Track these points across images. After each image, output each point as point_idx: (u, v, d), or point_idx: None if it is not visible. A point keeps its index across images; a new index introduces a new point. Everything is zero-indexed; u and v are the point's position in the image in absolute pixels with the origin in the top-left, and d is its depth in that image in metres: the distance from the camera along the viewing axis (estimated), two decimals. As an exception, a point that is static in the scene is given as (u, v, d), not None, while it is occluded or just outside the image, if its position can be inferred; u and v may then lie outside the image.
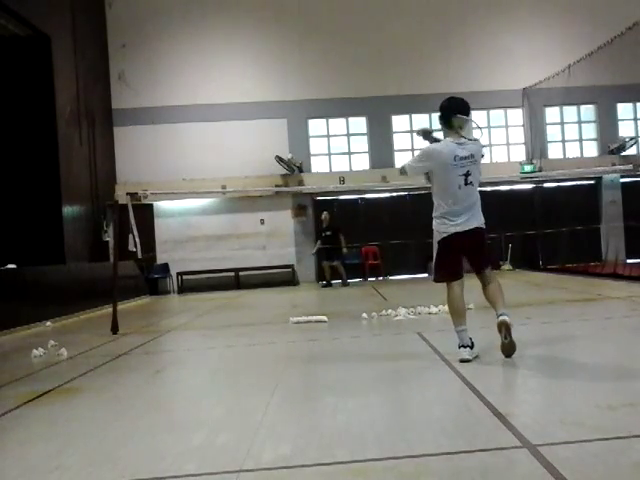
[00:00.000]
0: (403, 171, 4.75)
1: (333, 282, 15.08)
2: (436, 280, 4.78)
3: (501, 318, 4.46)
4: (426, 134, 4.87)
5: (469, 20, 17.26)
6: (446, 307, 7.62)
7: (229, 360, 5.72)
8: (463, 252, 4.63)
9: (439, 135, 4.82)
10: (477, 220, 4.58)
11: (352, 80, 17.05)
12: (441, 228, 4.58)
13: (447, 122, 4.55)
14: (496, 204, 17.19)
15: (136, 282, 14.69)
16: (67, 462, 2.91)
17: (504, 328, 4.43)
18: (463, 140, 4.51)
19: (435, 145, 4.64)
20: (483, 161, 17.21)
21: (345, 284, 14.78)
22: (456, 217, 4.51)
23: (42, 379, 5.10)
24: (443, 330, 6.46)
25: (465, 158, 4.45)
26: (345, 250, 15.19)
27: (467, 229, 4.51)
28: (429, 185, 4.74)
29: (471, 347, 4.53)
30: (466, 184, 4.48)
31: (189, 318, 9.67)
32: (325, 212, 15.39)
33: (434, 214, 4.64)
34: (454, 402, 3.57)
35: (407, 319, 7.34)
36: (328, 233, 15.12)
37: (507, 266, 16.56)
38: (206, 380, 4.94)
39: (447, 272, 4.66)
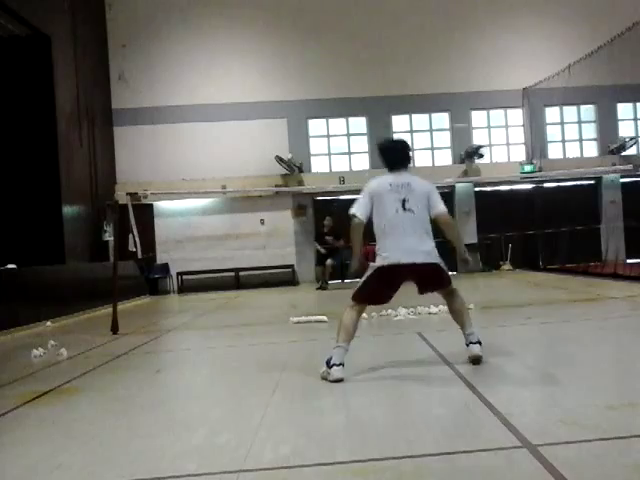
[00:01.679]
0: (354, 217, 4.47)
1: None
2: (352, 297, 4.51)
3: (474, 352, 4.37)
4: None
5: (469, 20, 17.26)
6: (446, 307, 7.69)
7: (229, 360, 5.72)
8: (396, 282, 4.46)
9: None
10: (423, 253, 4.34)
11: (352, 80, 17.05)
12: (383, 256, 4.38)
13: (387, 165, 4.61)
14: (496, 204, 17.24)
15: (136, 282, 14.69)
16: (67, 462, 2.91)
17: (476, 360, 4.39)
18: (401, 172, 4.51)
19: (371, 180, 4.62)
20: (483, 161, 17.27)
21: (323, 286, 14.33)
22: (394, 246, 4.35)
23: (42, 379, 5.10)
24: (443, 330, 6.46)
25: (402, 185, 4.39)
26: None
27: (408, 262, 4.29)
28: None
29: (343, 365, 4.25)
30: (405, 210, 4.34)
31: (189, 318, 9.67)
32: (328, 217, 15.02)
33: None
34: (454, 402, 3.57)
35: (407, 319, 7.35)
36: (329, 238, 14.90)
37: (507, 266, 16.57)
38: (206, 380, 4.94)
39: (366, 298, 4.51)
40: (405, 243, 4.30)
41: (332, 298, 12.21)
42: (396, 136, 17.53)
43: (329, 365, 4.21)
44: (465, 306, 4.65)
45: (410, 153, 4.68)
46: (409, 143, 4.85)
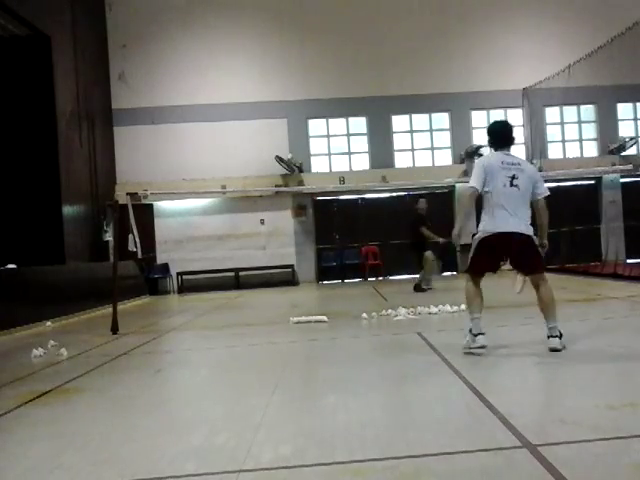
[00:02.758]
0: (471, 187, 4.89)
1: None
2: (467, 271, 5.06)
3: (552, 345, 4.70)
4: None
5: (469, 20, 17.26)
6: (447, 307, 7.71)
7: (229, 360, 5.72)
8: (503, 253, 4.95)
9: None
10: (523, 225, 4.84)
11: (352, 80, 17.05)
12: (486, 227, 4.84)
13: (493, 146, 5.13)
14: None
15: (136, 282, 14.69)
16: (67, 462, 2.91)
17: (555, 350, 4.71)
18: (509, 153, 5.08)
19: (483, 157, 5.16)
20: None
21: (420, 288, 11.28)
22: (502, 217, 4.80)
23: (42, 379, 5.10)
24: (443, 330, 6.46)
25: (512, 164, 4.94)
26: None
27: (512, 231, 4.76)
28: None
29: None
30: (512, 185, 4.82)
31: (189, 318, 9.67)
32: (423, 200, 12.08)
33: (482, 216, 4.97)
34: (454, 402, 3.56)
35: (407, 319, 7.34)
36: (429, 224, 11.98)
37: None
38: (206, 380, 4.94)
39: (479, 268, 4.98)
40: (509, 216, 4.76)
41: (332, 298, 12.22)
42: (396, 136, 17.59)
43: (474, 334, 4.73)
44: (554, 299, 4.87)
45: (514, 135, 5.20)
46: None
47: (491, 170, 4.87)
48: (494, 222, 4.78)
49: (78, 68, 14.61)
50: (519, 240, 4.77)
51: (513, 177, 4.83)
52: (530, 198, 4.98)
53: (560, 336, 4.69)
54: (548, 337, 4.72)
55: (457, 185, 17.00)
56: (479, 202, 4.97)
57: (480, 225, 4.90)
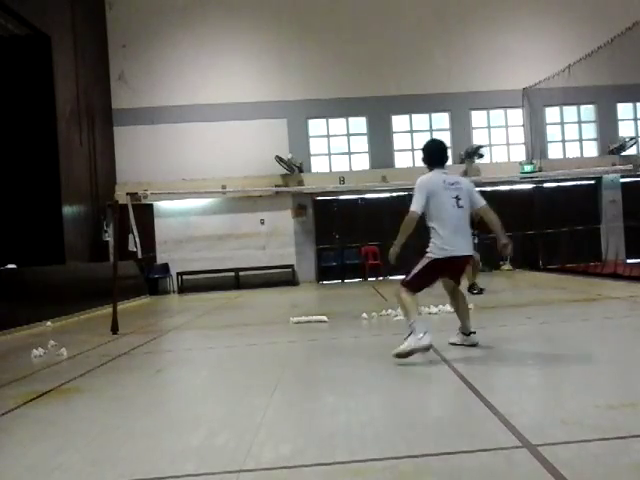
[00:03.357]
0: (413, 212, 4.86)
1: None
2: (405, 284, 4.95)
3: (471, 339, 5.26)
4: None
5: (469, 20, 17.26)
6: (446, 307, 7.69)
7: (229, 360, 5.72)
8: (448, 273, 5.09)
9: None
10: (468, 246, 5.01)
11: (352, 80, 17.05)
12: (439, 251, 4.86)
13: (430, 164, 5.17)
14: (496, 204, 17.19)
15: (136, 282, 14.69)
16: (67, 462, 2.91)
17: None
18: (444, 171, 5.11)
19: (423, 176, 5.08)
20: (483, 161, 17.17)
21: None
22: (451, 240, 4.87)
23: (42, 379, 5.10)
24: (443, 330, 6.46)
25: (452, 183, 4.95)
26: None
27: (462, 254, 4.91)
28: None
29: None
30: (459, 207, 4.89)
31: (189, 318, 9.67)
32: None
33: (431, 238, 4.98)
34: (454, 402, 3.57)
35: (407, 319, 7.33)
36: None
37: (507, 266, 16.56)
38: (206, 380, 4.94)
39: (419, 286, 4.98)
40: (460, 237, 4.86)
41: (332, 298, 12.22)
42: (396, 136, 17.59)
43: (419, 333, 4.64)
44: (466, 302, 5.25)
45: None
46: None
47: (434, 191, 4.88)
48: (446, 246, 4.81)
49: (78, 68, 14.61)
50: (464, 261, 5.04)
51: (457, 198, 4.90)
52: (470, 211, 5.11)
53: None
54: (469, 334, 5.20)
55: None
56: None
57: (432, 246, 4.89)
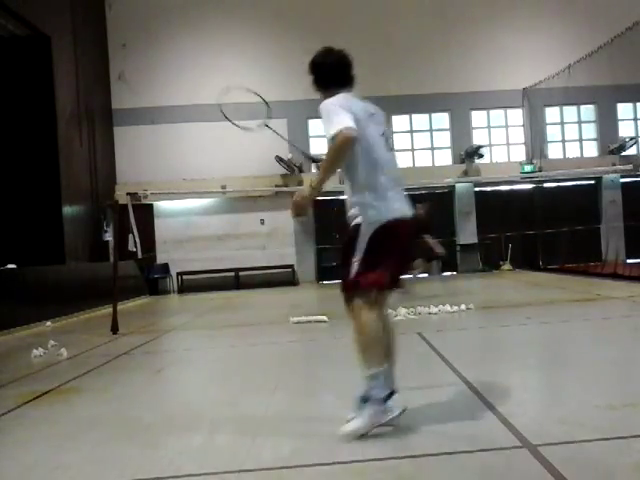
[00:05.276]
0: (347, 129, 2.89)
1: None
2: (361, 285, 3.10)
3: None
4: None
5: (469, 20, 17.26)
6: (446, 307, 7.67)
7: (229, 360, 5.72)
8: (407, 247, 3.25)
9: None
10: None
11: (352, 80, 17.02)
12: (380, 212, 3.04)
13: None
14: (496, 204, 17.24)
15: (136, 282, 14.69)
16: (67, 462, 2.91)
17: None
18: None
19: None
20: (483, 161, 17.11)
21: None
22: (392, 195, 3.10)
23: (42, 379, 5.09)
24: (443, 330, 6.46)
25: (373, 114, 3.20)
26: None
27: (408, 215, 3.16)
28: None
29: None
30: (389, 149, 3.19)
31: (189, 318, 9.67)
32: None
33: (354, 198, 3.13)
34: (454, 402, 3.56)
35: (407, 319, 7.34)
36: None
37: (507, 266, 16.57)
38: (206, 380, 4.94)
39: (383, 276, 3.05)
40: (401, 194, 3.16)
41: (332, 298, 12.21)
42: (396, 136, 17.57)
43: (378, 398, 2.93)
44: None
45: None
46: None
47: (358, 118, 3.00)
48: (392, 204, 3.05)
49: (78, 68, 14.61)
50: (413, 226, 3.25)
51: (385, 136, 3.19)
52: None
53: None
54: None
55: (457, 185, 17.03)
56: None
57: (366, 207, 3.04)
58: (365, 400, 2.91)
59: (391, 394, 2.97)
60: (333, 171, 3.01)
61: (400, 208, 3.08)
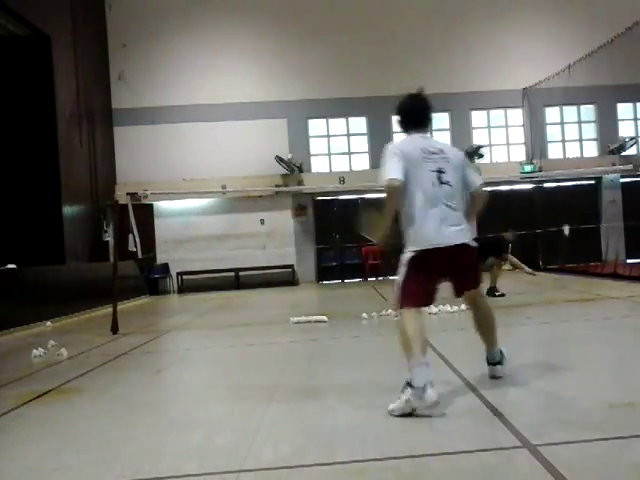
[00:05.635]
0: (392, 180, 3.52)
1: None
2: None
3: (491, 372, 3.96)
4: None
5: (469, 20, 17.26)
6: (446, 307, 7.68)
7: (229, 360, 5.72)
8: (441, 274, 3.67)
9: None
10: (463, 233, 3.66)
11: (352, 80, 17.05)
12: (417, 242, 3.61)
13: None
14: (496, 204, 17.21)
15: (136, 282, 14.69)
16: (67, 462, 2.91)
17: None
18: (427, 135, 3.86)
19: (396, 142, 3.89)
20: (483, 161, 17.17)
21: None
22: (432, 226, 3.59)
23: (42, 379, 5.10)
24: (443, 330, 6.46)
25: (434, 152, 3.67)
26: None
27: (450, 244, 3.57)
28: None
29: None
30: (441, 183, 3.61)
31: (189, 318, 9.67)
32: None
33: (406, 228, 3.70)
34: (454, 402, 3.56)
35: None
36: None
37: (507, 266, 16.53)
38: (206, 380, 4.94)
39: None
40: (441, 223, 3.57)
41: (332, 298, 12.23)
42: (396, 136, 17.57)
43: (416, 387, 3.26)
44: (495, 320, 3.94)
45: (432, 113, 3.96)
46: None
47: (411, 160, 3.58)
48: (425, 234, 3.56)
49: (78, 68, 14.61)
50: (459, 253, 3.62)
51: (440, 171, 3.61)
52: (463, 193, 3.76)
53: (501, 362, 3.96)
54: (488, 364, 3.98)
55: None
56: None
57: (407, 237, 3.66)
58: (407, 385, 3.33)
59: (429, 382, 3.33)
60: (390, 213, 3.62)
61: (440, 237, 3.56)
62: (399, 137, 3.99)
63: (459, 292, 3.84)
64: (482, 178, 3.89)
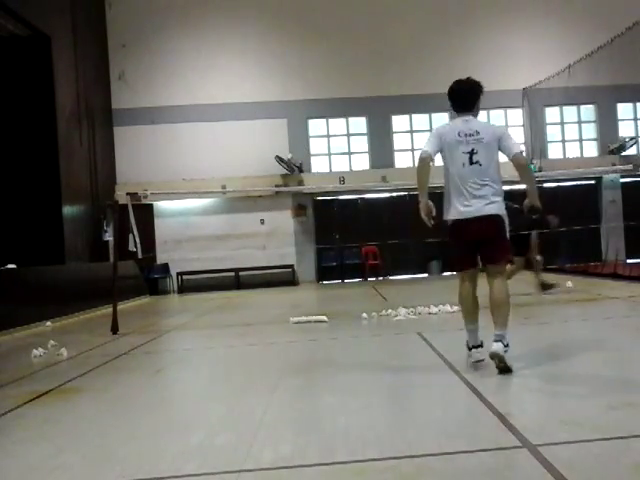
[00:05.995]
0: (423, 152, 4.25)
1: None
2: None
3: (492, 349, 4.00)
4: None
5: (469, 20, 17.26)
6: (446, 307, 7.69)
7: (229, 360, 5.72)
8: (471, 241, 4.20)
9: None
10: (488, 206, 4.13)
11: (352, 80, 17.05)
12: (448, 214, 4.26)
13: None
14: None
15: (136, 282, 14.69)
16: (67, 462, 2.91)
17: (496, 359, 3.99)
18: (469, 118, 4.32)
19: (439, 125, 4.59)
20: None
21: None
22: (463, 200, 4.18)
23: (42, 379, 5.10)
24: (443, 330, 6.47)
25: (469, 134, 4.17)
26: None
27: (475, 215, 4.11)
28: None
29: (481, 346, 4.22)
30: (472, 163, 4.13)
31: (189, 318, 9.67)
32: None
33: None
34: (454, 402, 3.56)
35: (407, 319, 7.34)
36: None
37: (507, 266, 16.55)
38: (206, 380, 4.94)
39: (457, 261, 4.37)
40: (468, 198, 4.13)
41: (332, 298, 12.23)
42: (396, 136, 17.59)
43: (469, 347, 4.26)
44: (508, 301, 4.23)
45: (479, 95, 4.39)
46: (481, 84, 4.45)
47: (447, 142, 4.19)
48: (454, 208, 4.19)
49: (78, 68, 14.61)
50: (484, 224, 4.11)
51: (472, 152, 4.12)
52: (497, 165, 4.26)
53: (501, 341, 4.02)
54: (494, 341, 4.05)
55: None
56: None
57: (444, 211, 4.31)
58: (466, 343, 4.30)
59: (477, 346, 4.22)
60: (420, 181, 4.26)
61: (464, 211, 4.15)
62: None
63: (483, 263, 4.31)
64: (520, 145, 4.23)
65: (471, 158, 4.13)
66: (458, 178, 4.17)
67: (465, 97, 4.36)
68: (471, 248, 4.21)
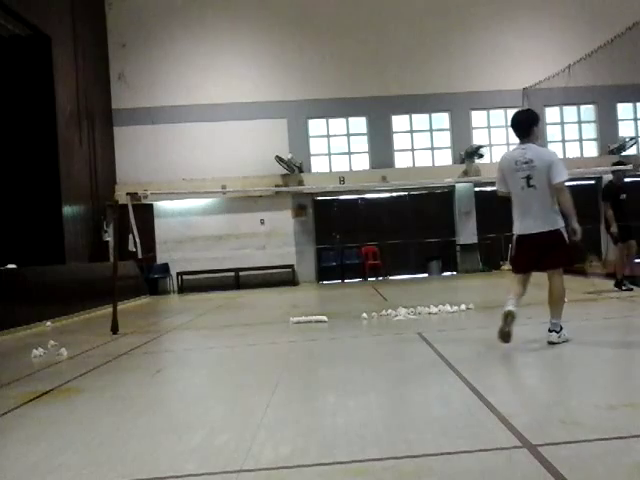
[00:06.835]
0: (500, 192, 5.26)
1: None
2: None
3: (550, 339, 4.97)
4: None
5: (469, 20, 17.27)
6: (446, 307, 7.70)
7: (229, 360, 5.72)
8: (531, 252, 5.05)
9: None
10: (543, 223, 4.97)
11: (352, 80, 17.06)
12: (515, 229, 5.15)
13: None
14: (496, 204, 17.23)
15: (136, 282, 14.69)
16: (67, 462, 2.91)
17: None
18: (527, 145, 5.00)
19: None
20: (483, 161, 17.13)
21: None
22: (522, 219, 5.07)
23: (42, 379, 5.09)
24: (443, 330, 6.47)
25: (525, 162, 4.91)
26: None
27: (533, 232, 4.96)
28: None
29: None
30: (529, 186, 4.90)
31: (189, 318, 9.67)
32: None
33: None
34: (454, 402, 3.56)
35: (407, 319, 7.34)
36: (624, 196, 9.97)
37: (507, 266, 16.54)
38: (206, 380, 4.94)
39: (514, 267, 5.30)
40: (529, 217, 4.96)
41: (332, 298, 12.22)
42: (396, 136, 17.59)
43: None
44: (562, 297, 5.07)
45: (533, 124, 5.05)
46: (536, 113, 5.25)
47: (505, 173, 5.07)
48: (519, 225, 5.06)
49: (78, 68, 14.62)
50: (544, 238, 4.94)
51: (528, 178, 4.90)
52: (552, 186, 4.94)
53: (556, 330, 4.97)
54: (548, 330, 5.02)
55: (457, 185, 17.02)
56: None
57: (513, 227, 5.18)
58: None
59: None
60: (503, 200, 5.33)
61: (526, 228, 5.03)
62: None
63: (541, 268, 5.09)
64: (566, 174, 4.86)
65: (528, 182, 4.91)
66: (519, 199, 5.02)
67: (521, 126, 5.05)
68: (529, 257, 5.04)
